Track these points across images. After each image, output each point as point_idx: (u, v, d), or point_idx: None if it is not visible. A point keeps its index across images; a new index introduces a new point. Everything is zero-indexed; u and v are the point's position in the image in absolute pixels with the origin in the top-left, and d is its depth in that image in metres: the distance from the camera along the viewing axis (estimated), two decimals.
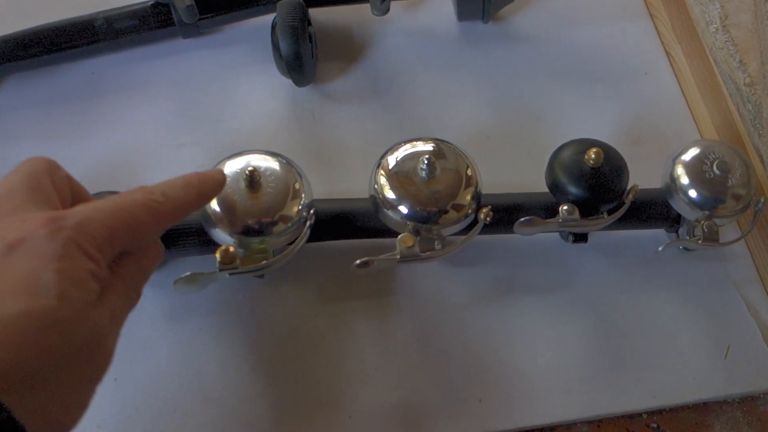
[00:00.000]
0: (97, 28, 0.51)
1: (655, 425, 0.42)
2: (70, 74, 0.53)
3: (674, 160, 0.43)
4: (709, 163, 0.42)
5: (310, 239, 0.41)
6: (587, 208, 0.41)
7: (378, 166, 0.41)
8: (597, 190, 0.40)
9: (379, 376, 0.42)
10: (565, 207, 0.41)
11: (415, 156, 0.40)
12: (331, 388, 0.41)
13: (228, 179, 0.38)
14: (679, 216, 0.44)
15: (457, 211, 0.40)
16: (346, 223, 0.43)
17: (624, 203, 0.42)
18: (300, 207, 0.39)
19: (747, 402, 0.43)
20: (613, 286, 0.46)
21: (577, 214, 0.41)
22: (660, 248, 0.42)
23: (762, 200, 0.43)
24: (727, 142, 0.46)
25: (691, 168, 0.42)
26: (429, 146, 0.41)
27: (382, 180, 0.40)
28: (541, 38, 0.56)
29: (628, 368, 0.43)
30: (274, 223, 0.38)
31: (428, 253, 0.39)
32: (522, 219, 0.40)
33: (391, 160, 0.40)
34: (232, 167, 0.39)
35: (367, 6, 0.52)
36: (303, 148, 0.50)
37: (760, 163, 0.46)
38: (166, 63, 0.53)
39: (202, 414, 0.40)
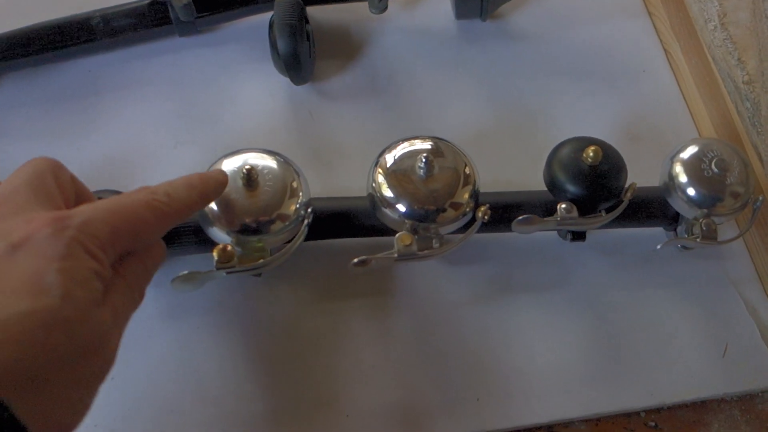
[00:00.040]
0: (94, 27, 0.51)
1: (653, 424, 0.42)
2: (67, 73, 0.53)
3: (672, 158, 0.43)
4: (707, 161, 0.42)
5: (308, 238, 0.41)
6: (585, 206, 0.41)
7: (376, 165, 0.41)
8: (595, 188, 0.40)
9: (376, 374, 0.42)
10: (564, 205, 0.41)
11: (413, 154, 0.40)
12: (329, 387, 0.41)
13: None
14: (677, 214, 0.44)
15: (455, 209, 0.39)
16: (343, 221, 0.43)
17: (622, 201, 0.42)
18: (297, 205, 0.39)
19: (745, 400, 0.43)
20: (611, 285, 0.45)
21: (575, 213, 0.41)
22: (658, 246, 0.42)
23: (760, 198, 0.43)
24: (725, 141, 0.46)
25: (690, 166, 0.42)
26: (427, 144, 0.41)
27: (380, 178, 0.40)
28: (540, 36, 0.56)
29: (627, 367, 0.43)
30: (272, 222, 0.38)
31: (426, 251, 0.39)
32: (520, 217, 0.40)
33: (389, 159, 0.40)
34: (229, 166, 0.39)
35: (364, 4, 0.52)
36: (300, 146, 0.50)
37: (759, 162, 0.46)
38: (164, 61, 0.53)
39: (199, 413, 0.40)
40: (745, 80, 0.47)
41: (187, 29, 0.53)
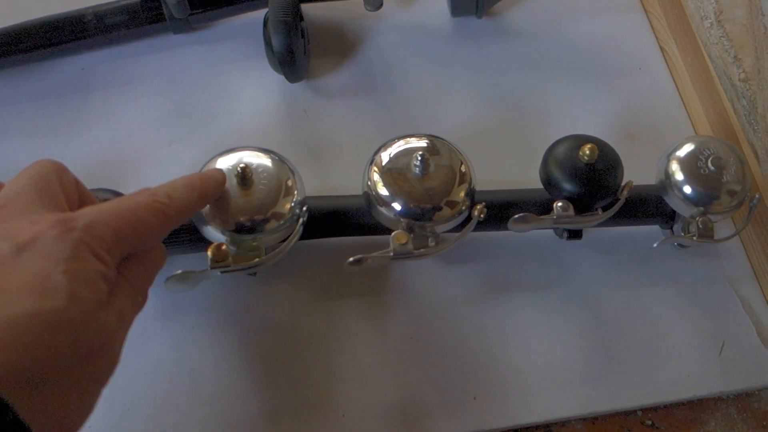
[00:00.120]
0: (87, 24, 0.50)
1: (650, 422, 0.42)
2: (60, 70, 0.52)
3: (669, 156, 0.43)
4: (703, 159, 0.41)
5: (303, 236, 0.40)
6: (582, 204, 0.41)
7: (371, 163, 0.40)
8: (591, 186, 0.40)
9: (372, 374, 0.42)
10: (560, 203, 0.41)
11: (409, 152, 0.40)
12: (325, 387, 0.41)
13: None
14: (673, 212, 0.44)
15: (451, 207, 0.39)
16: (339, 220, 0.42)
17: (618, 199, 0.42)
18: (292, 204, 0.39)
19: (742, 398, 0.43)
20: (607, 283, 0.45)
21: (571, 211, 0.40)
22: (655, 245, 0.42)
23: (757, 196, 0.43)
24: (721, 138, 0.46)
25: (686, 164, 0.42)
26: (422, 142, 0.41)
27: (376, 177, 0.40)
28: (535, 34, 0.56)
29: (623, 365, 0.43)
30: (267, 221, 0.38)
31: (422, 250, 0.39)
32: (516, 216, 0.40)
33: (385, 157, 0.40)
34: (223, 164, 0.39)
35: (360, 1, 0.51)
36: (295, 144, 0.50)
37: (755, 159, 0.46)
38: (157, 59, 0.53)
39: (195, 413, 0.40)
40: (742, 78, 0.47)
41: (181, 26, 0.52)
